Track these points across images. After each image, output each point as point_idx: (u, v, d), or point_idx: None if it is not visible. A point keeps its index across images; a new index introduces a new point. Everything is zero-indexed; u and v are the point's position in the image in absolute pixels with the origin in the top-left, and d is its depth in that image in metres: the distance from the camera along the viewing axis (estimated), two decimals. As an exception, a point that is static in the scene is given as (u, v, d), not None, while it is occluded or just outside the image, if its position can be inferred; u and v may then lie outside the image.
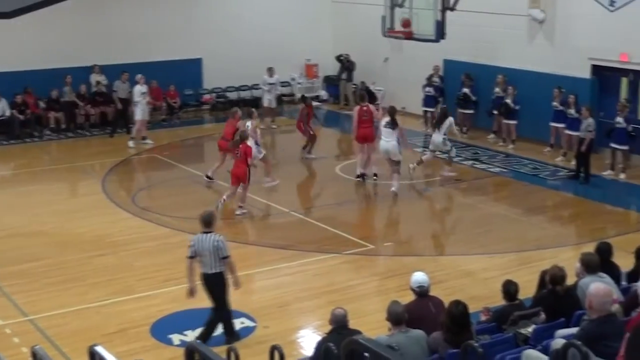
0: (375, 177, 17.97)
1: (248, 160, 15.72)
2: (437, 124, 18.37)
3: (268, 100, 24.36)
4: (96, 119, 23.63)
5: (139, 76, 21.74)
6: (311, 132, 20.37)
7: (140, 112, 21.55)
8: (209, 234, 10.24)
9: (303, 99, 21.94)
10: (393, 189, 17.03)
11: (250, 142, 16.95)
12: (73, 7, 22.01)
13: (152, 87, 23.57)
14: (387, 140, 16.91)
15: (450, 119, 18.27)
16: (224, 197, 15.93)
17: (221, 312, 10.45)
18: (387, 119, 17.09)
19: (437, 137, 18.15)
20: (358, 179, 18.01)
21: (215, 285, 10.32)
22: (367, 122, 17.82)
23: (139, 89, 21.58)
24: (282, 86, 26.54)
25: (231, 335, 10.54)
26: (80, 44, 23.33)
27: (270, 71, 24.34)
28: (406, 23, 18.11)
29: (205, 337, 10.18)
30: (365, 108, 17.93)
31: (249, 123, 17.45)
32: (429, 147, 18.67)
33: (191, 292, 10.40)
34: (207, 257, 10.18)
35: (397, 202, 17.04)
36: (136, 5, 24.17)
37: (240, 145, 15.72)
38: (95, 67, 23.71)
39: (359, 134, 17.97)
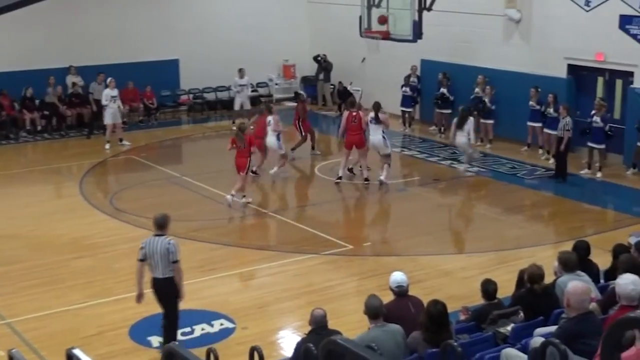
0: (366, 182, 17.77)
1: (252, 149, 16.33)
2: (459, 124, 18.18)
3: (240, 102, 24.02)
4: (73, 120, 23.44)
5: (109, 79, 21.55)
6: (303, 133, 20.19)
7: (110, 117, 21.30)
8: (160, 237, 9.96)
9: (296, 95, 21.77)
10: (381, 177, 17.36)
11: (272, 137, 17.78)
12: (48, 8, 21.77)
13: (129, 88, 23.51)
14: (374, 135, 17.39)
15: (471, 119, 18.24)
16: (233, 191, 16.15)
17: (173, 316, 10.16)
18: (371, 114, 17.42)
19: (461, 139, 18.20)
20: (338, 182, 17.88)
21: (166, 290, 9.99)
22: (356, 128, 17.67)
23: (109, 92, 21.36)
24: (260, 87, 26.52)
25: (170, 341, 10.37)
26: (56, 45, 23.16)
27: (241, 72, 23.97)
28: (382, 19, 18.17)
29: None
30: (354, 114, 17.79)
31: (270, 118, 18.00)
32: (459, 150, 18.71)
33: (139, 298, 10.17)
34: (157, 260, 9.84)
35: (376, 203, 17.07)
36: (112, 6, 24.02)
37: (244, 136, 16.17)
38: (71, 68, 23.51)
39: (348, 140, 17.89)
